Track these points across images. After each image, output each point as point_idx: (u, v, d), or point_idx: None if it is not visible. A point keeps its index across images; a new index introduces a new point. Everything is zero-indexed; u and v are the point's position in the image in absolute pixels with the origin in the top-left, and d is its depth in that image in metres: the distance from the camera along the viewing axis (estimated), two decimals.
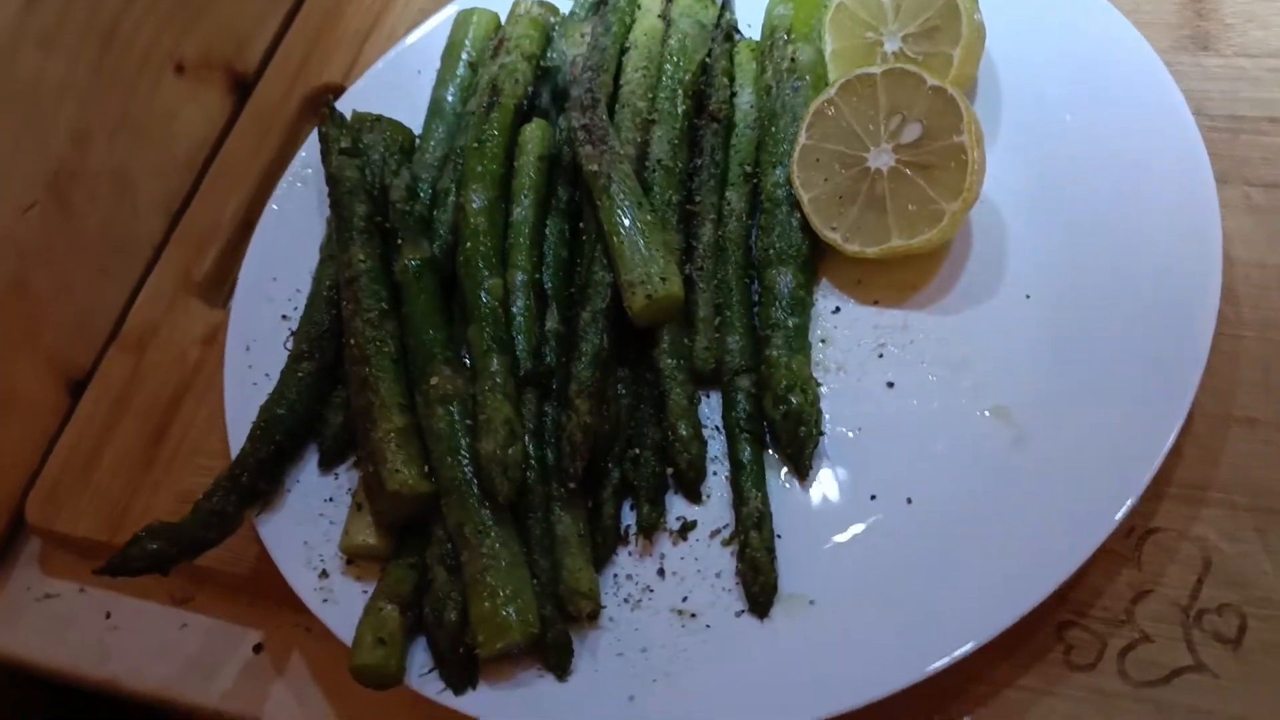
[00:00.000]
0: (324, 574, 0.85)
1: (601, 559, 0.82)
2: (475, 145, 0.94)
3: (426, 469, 0.82)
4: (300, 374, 0.91)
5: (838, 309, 0.89)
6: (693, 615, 0.79)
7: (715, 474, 0.84)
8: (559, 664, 0.77)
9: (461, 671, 0.77)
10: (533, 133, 0.95)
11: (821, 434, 0.82)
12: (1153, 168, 0.84)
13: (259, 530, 0.88)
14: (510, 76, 0.98)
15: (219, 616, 0.96)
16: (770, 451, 0.84)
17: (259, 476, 0.87)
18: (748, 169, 0.94)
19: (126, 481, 1.01)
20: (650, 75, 0.97)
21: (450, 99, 1.03)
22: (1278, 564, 0.74)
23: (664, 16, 1.01)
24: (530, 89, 1.00)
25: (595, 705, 0.76)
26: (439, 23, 1.13)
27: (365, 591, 0.83)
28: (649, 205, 0.88)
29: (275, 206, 1.07)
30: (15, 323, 1.04)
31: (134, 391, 1.07)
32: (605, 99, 0.95)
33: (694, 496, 0.84)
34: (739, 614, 0.78)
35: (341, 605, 0.83)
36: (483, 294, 0.87)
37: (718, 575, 0.80)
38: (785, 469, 0.83)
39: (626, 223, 0.85)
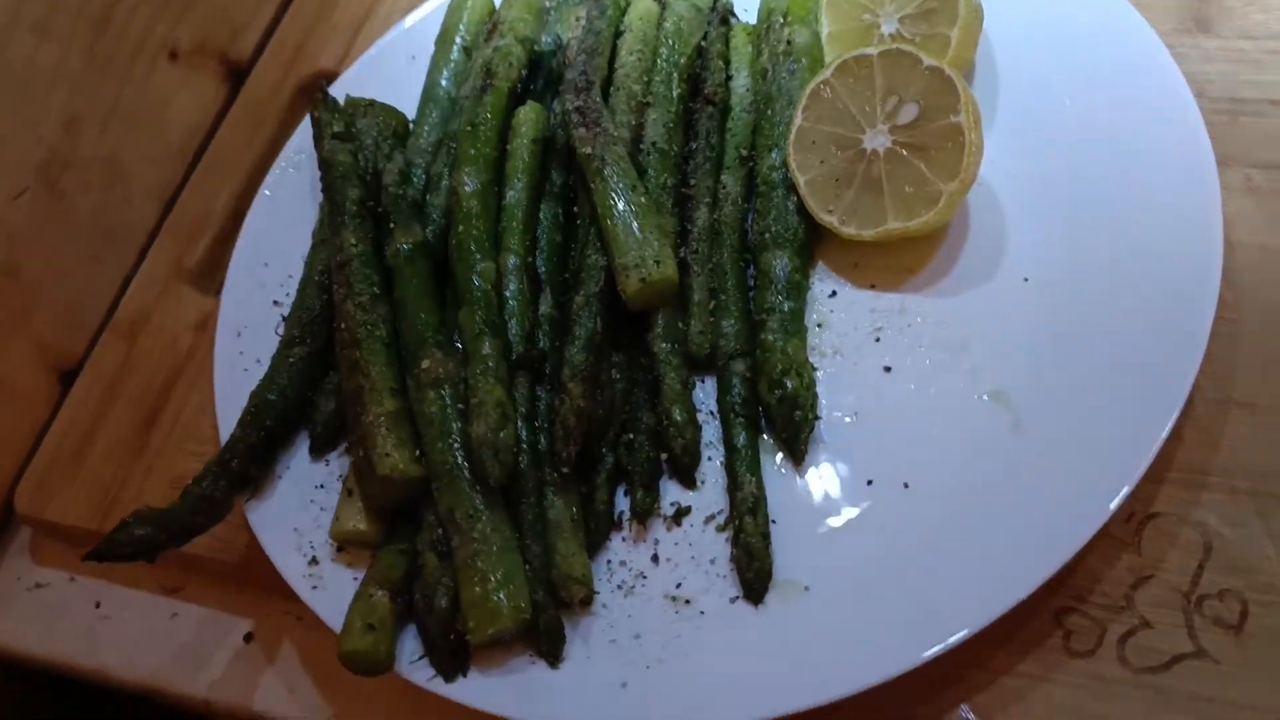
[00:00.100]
0: (314, 561, 0.84)
1: (595, 544, 0.81)
2: (468, 128, 0.93)
3: (417, 453, 0.81)
4: (291, 359, 0.90)
5: (834, 293, 0.88)
6: (686, 601, 0.78)
7: (710, 459, 0.83)
8: (551, 650, 0.76)
9: (452, 658, 0.77)
10: (526, 116, 0.94)
11: (817, 418, 0.81)
12: (1153, 150, 0.83)
13: (249, 517, 0.87)
14: (504, 60, 0.97)
15: (209, 605, 0.95)
16: (765, 436, 0.83)
17: (249, 462, 0.86)
18: (743, 152, 0.93)
19: (117, 469, 1.01)
20: (645, 58, 0.96)
21: (444, 84, 1.03)
22: (1279, 548, 0.72)
23: (659, 0, 1.00)
24: (524, 72, 0.99)
25: (588, 692, 0.75)
26: (433, 8, 1.12)
27: (355, 578, 0.82)
28: (643, 188, 0.87)
29: (268, 192, 1.07)
30: (6, 310, 1.04)
31: (125, 378, 1.06)
32: (600, 82, 0.94)
33: (688, 482, 0.83)
34: (733, 600, 0.77)
35: (331, 592, 0.82)
36: (475, 277, 0.86)
37: (712, 561, 0.79)
38: (780, 454, 0.82)
39: (620, 206, 0.85)
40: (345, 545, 0.84)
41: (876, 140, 0.85)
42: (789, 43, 0.94)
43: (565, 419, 0.79)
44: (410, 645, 0.79)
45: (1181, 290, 0.77)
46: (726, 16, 1.02)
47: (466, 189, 0.90)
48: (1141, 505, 0.76)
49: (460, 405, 0.81)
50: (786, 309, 0.84)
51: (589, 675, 0.76)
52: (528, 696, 0.75)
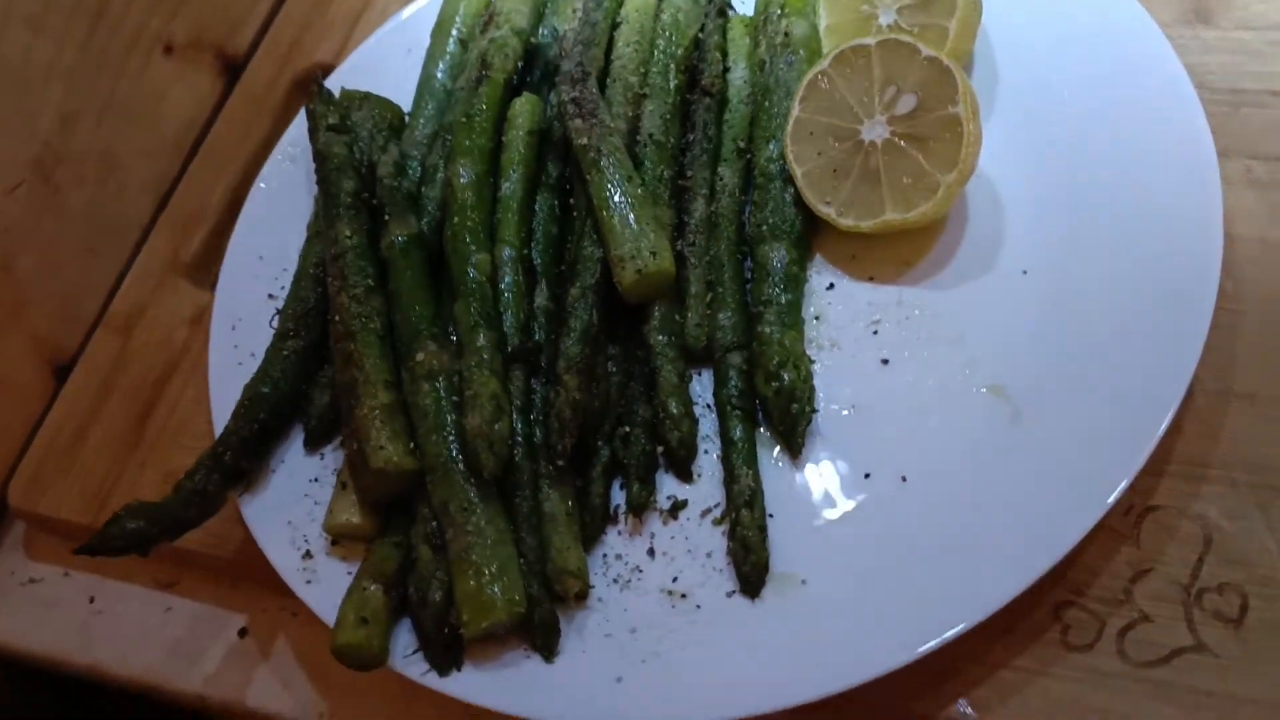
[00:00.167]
0: (308, 555, 0.84)
1: (590, 538, 0.80)
2: (464, 120, 0.93)
3: (412, 446, 0.80)
4: (286, 352, 0.90)
5: (832, 285, 0.87)
6: (683, 595, 0.77)
7: (706, 452, 0.83)
8: (545, 644, 0.75)
9: (446, 652, 0.76)
10: (522, 107, 0.94)
11: (814, 411, 0.81)
12: (1153, 142, 0.83)
13: (242, 511, 0.87)
14: (500, 51, 0.96)
15: (203, 600, 0.95)
16: (762, 429, 0.82)
17: (242, 455, 0.85)
18: (741, 144, 0.92)
19: (112, 463, 1.00)
20: (642, 50, 0.95)
21: (440, 76, 1.02)
22: None
23: None
24: (520, 64, 0.98)
25: (582, 687, 0.74)
26: (429, 0, 1.12)
27: (349, 573, 0.81)
28: (640, 180, 0.87)
29: (263, 185, 1.06)
30: (0, 304, 1.03)
31: (120, 373, 1.06)
32: (596, 74, 0.93)
33: (685, 475, 0.82)
34: (730, 594, 0.76)
35: (325, 586, 0.82)
36: (470, 269, 0.85)
37: (708, 555, 0.79)
38: (778, 447, 0.81)
39: (617, 197, 0.84)
40: (339, 539, 0.84)
41: (874, 131, 0.84)
42: (786, 34, 0.93)
43: (560, 411, 0.78)
44: (405, 639, 0.78)
45: (1181, 282, 0.76)
46: (724, 8, 1.01)
47: (462, 180, 0.89)
48: (1141, 498, 0.75)
49: (455, 398, 0.81)
50: (784, 301, 0.84)
51: (584, 670, 0.75)
52: (522, 691, 0.74)
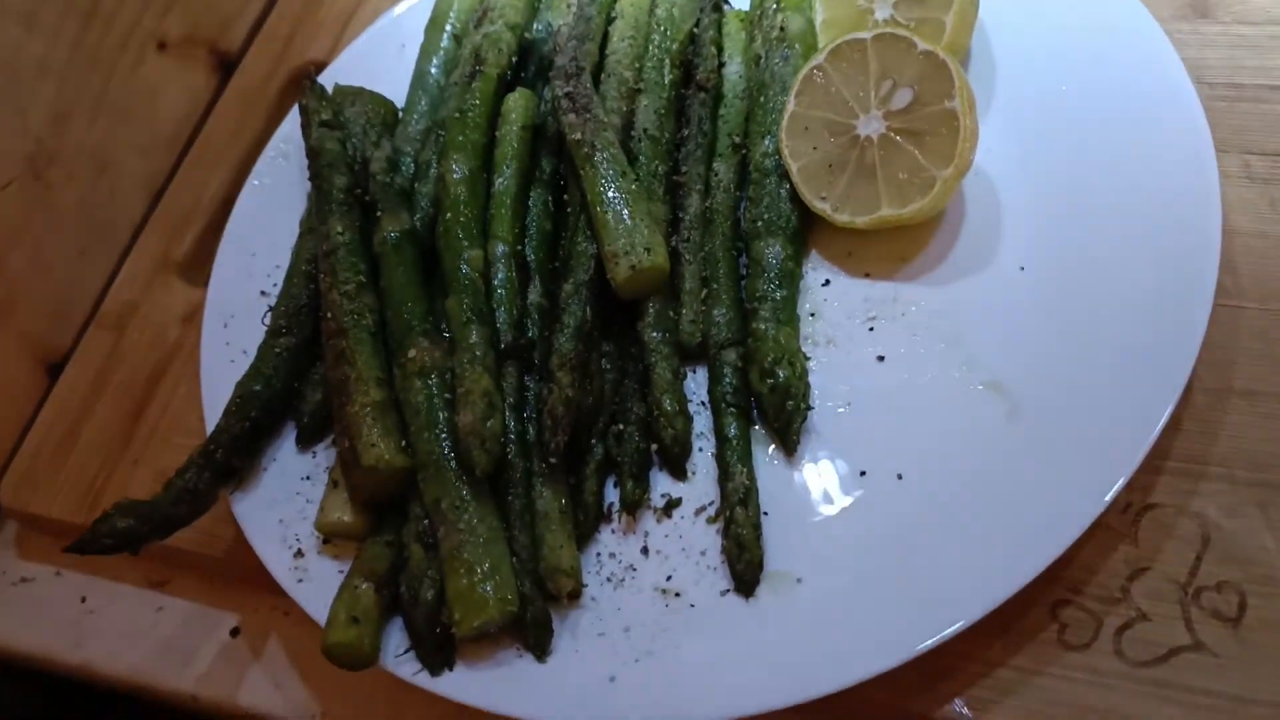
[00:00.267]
0: (299, 553, 0.83)
1: (584, 536, 0.80)
2: (457, 115, 0.92)
3: (404, 443, 0.79)
4: (277, 349, 0.89)
5: (827, 282, 0.86)
6: (677, 594, 0.77)
7: (701, 450, 0.82)
8: (538, 643, 0.75)
9: (438, 652, 0.75)
10: (516, 102, 0.93)
11: (810, 408, 0.80)
12: (1151, 137, 0.82)
13: (234, 509, 0.86)
14: (493, 45, 0.96)
15: (195, 600, 0.94)
16: (757, 427, 0.81)
17: (233, 453, 0.85)
18: (736, 140, 0.92)
19: (104, 462, 1.00)
20: (637, 44, 0.95)
21: (434, 71, 1.02)
22: (1279, 539, 0.71)
23: None
24: (514, 58, 0.98)
25: (576, 686, 0.74)
26: None
27: (341, 571, 0.81)
28: (634, 175, 0.86)
29: (256, 182, 1.06)
30: None
31: (112, 371, 1.05)
32: (591, 68, 0.93)
33: (679, 473, 0.81)
34: (724, 593, 0.76)
35: (317, 585, 0.81)
36: (462, 265, 0.85)
37: (703, 553, 0.78)
38: (773, 444, 0.81)
39: (610, 193, 0.83)
40: (331, 537, 0.83)
41: (870, 126, 0.84)
42: (782, 29, 0.93)
43: (554, 409, 0.78)
44: (396, 638, 0.78)
45: (1180, 277, 0.76)
46: (719, 2, 1.00)
47: (455, 176, 0.89)
48: (1139, 496, 0.75)
49: (447, 395, 0.80)
50: (779, 297, 0.83)
51: (577, 669, 0.74)
52: (515, 690, 0.74)
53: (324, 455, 0.88)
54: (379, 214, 0.89)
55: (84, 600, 0.97)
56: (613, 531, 0.80)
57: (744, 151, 0.91)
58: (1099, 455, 0.71)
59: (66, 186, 1.08)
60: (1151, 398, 0.72)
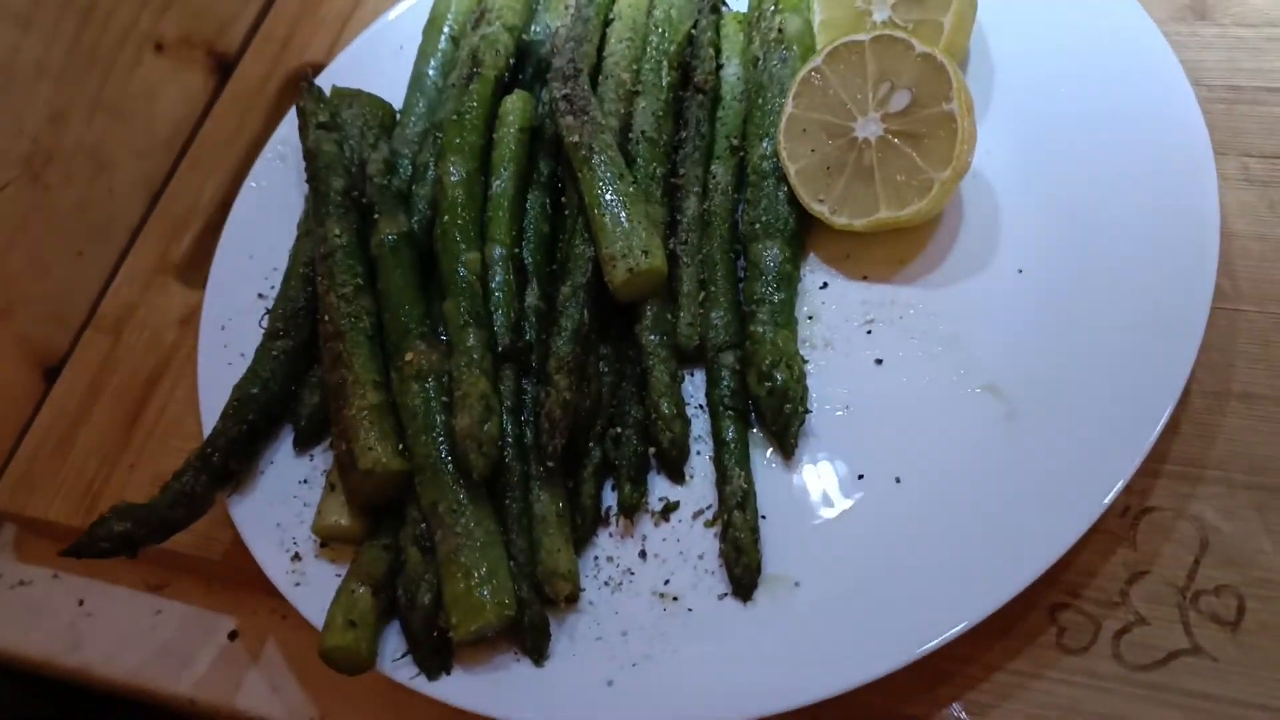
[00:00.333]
0: (296, 557, 0.83)
1: (581, 540, 0.79)
2: (454, 117, 0.92)
3: (401, 447, 0.79)
4: (275, 352, 0.89)
5: (825, 284, 0.86)
6: (674, 598, 0.77)
7: (699, 453, 0.82)
8: (535, 647, 0.75)
9: (435, 656, 0.75)
10: (514, 104, 0.93)
11: (808, 411, 0.80)
12: (1149, 139, 0.82)
13: (231, 512, 0.86)
14: (491, 47, 0.96)
15: (193, 603, 0.94)
16: (755, 430, 0.81)
17: (230, 456, 0.84)
18: (734, 142, 0.92)
19: (101, 465, 1.00)
20: (635, 46, 0.94)
21: (431, 73, 1.01)
22: (1277, 542, 0.71)
23: None
24: (511, 60, 0.97)
25: (573, 690, 0.74)
26: None
27: (338, 575, 0.80)
28: (632, 178, 0.86)
29: (253, 184, 1.05)
30: None
31: (110, 374, 1.05)
32: (588, 70, 0.93)
33: (677, 476, 0.81)
34: (722, 597, 0.76)
35: (314, 589, 0.81)
36: (460, 267, 0.84)
37: (700, 557, 0.78)
38: (771, 448, 0.81)
39: (608, 195, 0.83)
40: (328, 541, 0.83)
41: (868, 128, 0.84)
42: (780, 30, 0.93)
43: (551, 412, 0.77)
44: (394, 642, 0.77)
45: (1178, 280, 0.76)
46: (717, 4, 1.00)
47: (452, 178, 0.89)
48: (1137, 499, 0.75)
49: (444, 398, 0.80)
50: (777, 300, 0.83)
51: (575, 673, 0.74)
52: (512, 695, 0.74)
53: (321, 458, 0.88)
54: (376, 216, 0.89)
55: (82, 603, 0.97)
56: (610, 535, 0.80)
57: (742, 154, 0.91)
58: (1097, 458, 0.71)
59: (64, 188, 1.08)
60: (1150, 400, 0.72)
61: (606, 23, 0.97)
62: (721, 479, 0.78)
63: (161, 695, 0.91)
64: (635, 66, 0.94)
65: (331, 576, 0.81)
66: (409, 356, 0.81)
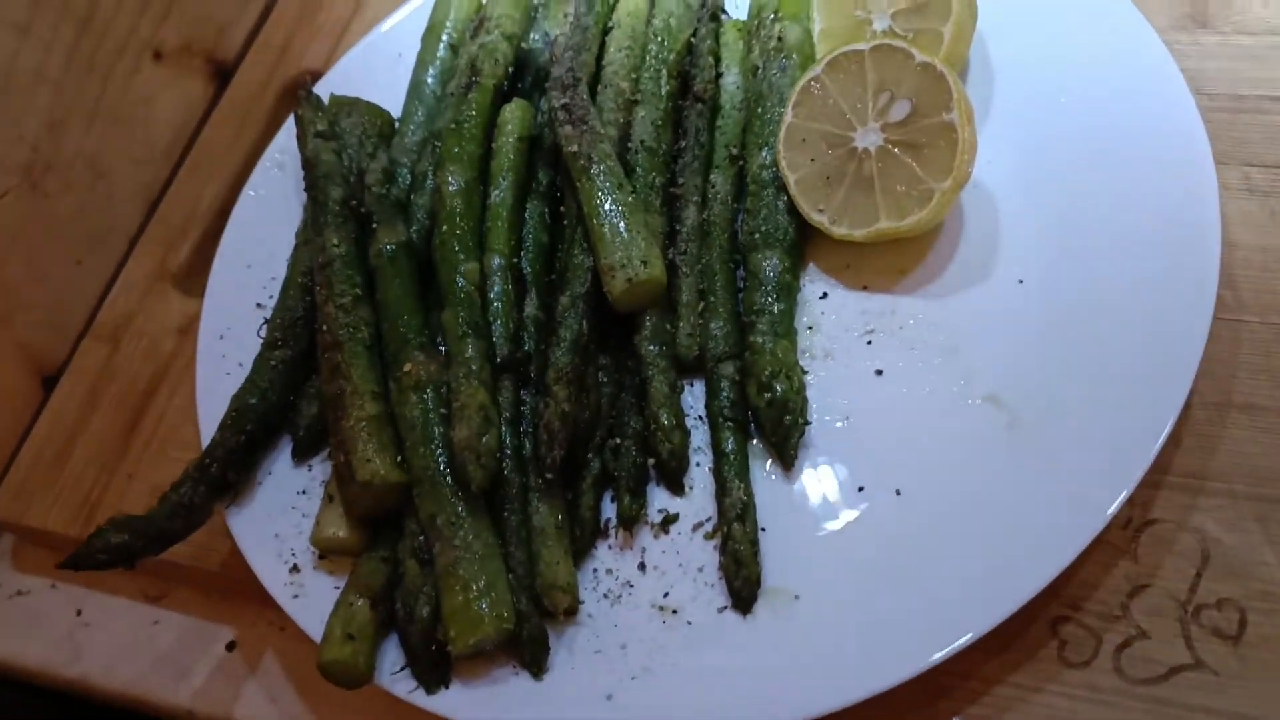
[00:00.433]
0: (295, 569, 0.83)
1: (580, 552, 0.79)
2: (453, 126, 0.92)
3: (399, 458, 0.79)
4: (273, 362, 0.89)
5: (825, 294, 0.86)
6: (674, 611, 0.76)
7: (698, 465, 0.82)
8: (534, 661, 0.74)
9: (433, 669, 0.75)
10: (512, 113, 0.93)
11: (808, 423, 0.80)
12: (1150, 148, 0.82)
13: (229, 523, 0.86)
14: (490, 56, 0.95)
15: (191, 613, 0.94)
16: (755, 441, 0.81)
17: (228, 467, 0.84)
18: (733, 151, 0.91)
19: (99, 474, 0.99)
20: (634, 55, 0.94)
21: (430, 82, 1.01)
22: (1279, 554, 0.71)
23: None
24: (510, 69, 0.97)
25: (572, 704, 0.73)
26: (420, 5, 1.11)
27: (337, 587, 0.80)
28: (631, 187, 0.86)
29: (251, 193, 1.05)
30: None
31: (108, 383, 1.05)
32: (587, 79, 0.92)
33: (676, 488, 0.81)
34: (721, 610, 0.75)
35: (312, 601, 0.81)
36: (458, 278, 0.84)
37: (700, 569, 0.78)
38: (770, 459, 0.80)
39: (607, 205, 0.83)
40: (327, 553, 0.83)
41: (868, 138, 0.83)
42: (780, 39, 0.92)
43: (550, 423, 0.77)
44: (392, 655, 0.77)
45: (1179, 291, 0.75)
46: (717, 13, 1.00)
47: (451, 188, 0.88)
48: (1139, 511, 0.74)
49: (443, 409, 0.80)
50: (776, 310, 0.83)
51: (573, 687, 0.74)
52: (511, 708, 0.73)
53: (320, 469, 0.88)
54: (375, 226, 0.89)
55: (80, 613, 0.97)
56: (609, 547, 0.80)
57: (741, 163, 0.91)
58: (1099, 470, 0.71)
59: (62, 196, 1.08)
60: (1151, 412, 0.72)
61: (605, 31, 0.97)
62: (721, 491, 0.78)
63: (159, 706, 0.90)
64: (634, 75, 0.93)
65: (330, 588, 0.81)
66: (407, 367, 0.81)
